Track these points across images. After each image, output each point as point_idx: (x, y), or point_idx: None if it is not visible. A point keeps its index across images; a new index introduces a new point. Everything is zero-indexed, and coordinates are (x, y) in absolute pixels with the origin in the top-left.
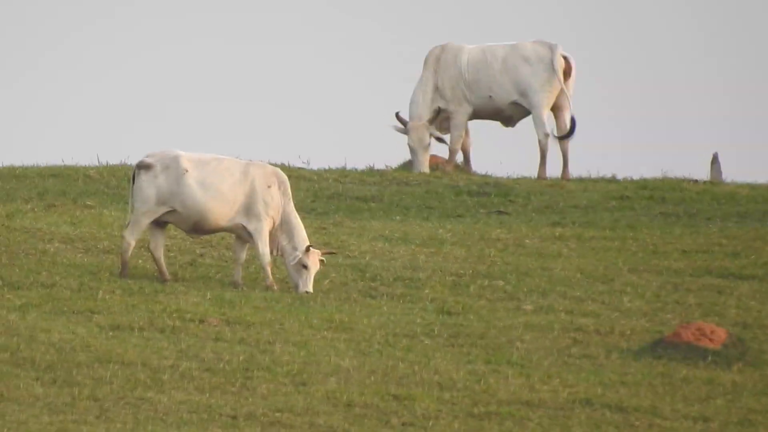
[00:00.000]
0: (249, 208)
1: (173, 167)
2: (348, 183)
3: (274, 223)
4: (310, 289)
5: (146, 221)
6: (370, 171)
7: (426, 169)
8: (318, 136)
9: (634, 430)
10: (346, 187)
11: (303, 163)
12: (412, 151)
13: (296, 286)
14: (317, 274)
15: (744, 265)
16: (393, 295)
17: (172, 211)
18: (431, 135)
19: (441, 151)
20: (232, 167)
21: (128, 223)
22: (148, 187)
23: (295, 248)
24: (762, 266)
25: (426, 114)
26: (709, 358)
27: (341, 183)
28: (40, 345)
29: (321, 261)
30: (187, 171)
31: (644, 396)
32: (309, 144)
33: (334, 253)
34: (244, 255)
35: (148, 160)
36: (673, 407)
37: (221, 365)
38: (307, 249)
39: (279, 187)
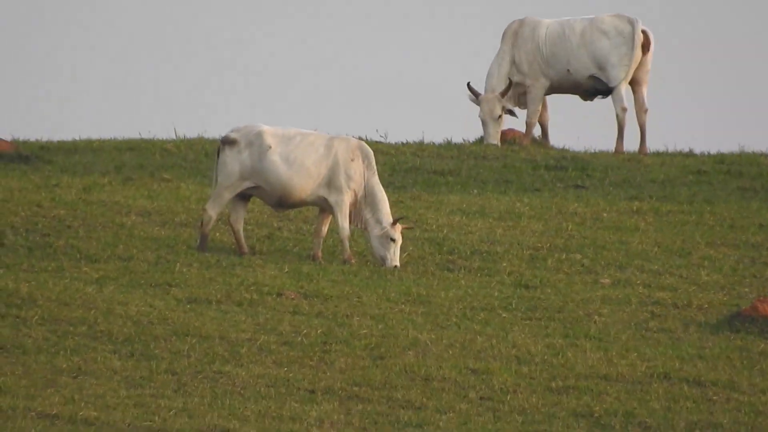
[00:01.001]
0: (331, 181)
1: (257, 143)
2: (425, 157)
3: (356, 197)
4: (398, 263)
5: (228, 195)
6: (448, 145)
7: (495, 141)
8: (395, 110)
9: (711, 404)
10: (423, 161)
11: (380, 136)
12: (483, 122)
13: (382, 260)
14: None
15: None
16: (470, 268)
17: (257, 186)
18: (503, 108)
19: (519, 125)
20: (316, 142)
21: (211, 197)
22: (232, 163)
23: (379, 221)
24: None
25: (499, 87)
26: None
27: (419, 157)
28: (118, 318)
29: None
30: (270, 147)
31: (722, 370)
32: (386, 118)
33: (411, 228)
34: (325, 228)
35: (233, 136)
36: (751, 381)
37: (299, 339)
38: (395, 222)
39: (363, 161)
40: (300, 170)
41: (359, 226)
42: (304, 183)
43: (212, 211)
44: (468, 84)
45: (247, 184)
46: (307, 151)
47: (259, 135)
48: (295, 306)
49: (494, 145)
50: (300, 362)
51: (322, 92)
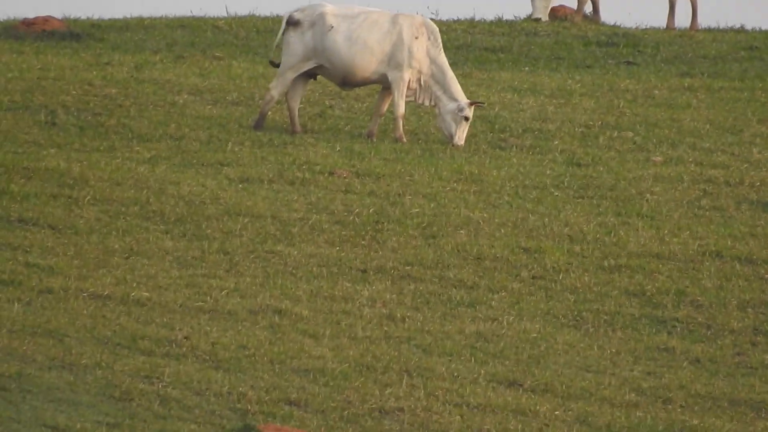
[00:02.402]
0: (392, 58)
1: (320, 23)
2: (477, 34)
3: (420, 74)
4: (463, 141)
5: (292, 75)
6: (499, 22)
7: (541, 15)
8: None
9: (763, 282)
10: (474, 38)
11: (432, 13)
12: None
13: (450, 136)
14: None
15: None
16: (522, 146)
17: (321, 66)
18: None
19: (570, 1)
20: (380, 20)
21: (276, 76)
22: (296, 43)
23: (453, 98)
24: None
25: None
26: None
27: (470, 34)
28: (170, 198)
29: None
30: (332, 27)
31: None
32: None
33: (482, 104)
34: (384, 107)
35: (297, 16)
36: None
37: (351, 218)
38: (472, 103)
39: (428, 38)
40: (363, 49)
41: (428, 104)
42: (367, 61)
43: (275, 91)
44: None
45: (310, 64)
46: (371, 30)
47: (322, 15)
48: (347, 185)
49: (540, 19)
50: (352, 241)
51: None
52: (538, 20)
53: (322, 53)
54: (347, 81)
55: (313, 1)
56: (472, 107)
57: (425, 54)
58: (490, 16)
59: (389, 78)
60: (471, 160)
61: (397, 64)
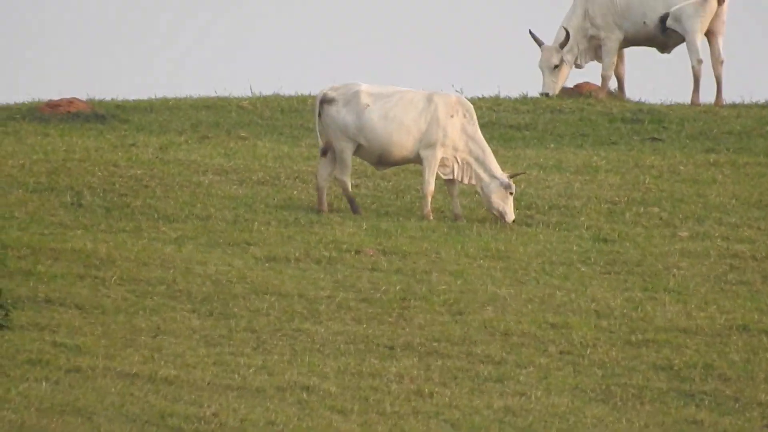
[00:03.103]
0: (427, 136)
1: (354, 101)
2: (501, 111)
3: (456, 152)
4: (513, 216)
5: (348, 154)
6: (524, 99)
7: (551, 90)
8: (471, 64)
9: None
10: (499, 116)
11: (456, 91)
12: (541, 71)
13: (502, 215)
14: (472, 203)
15: None
16: (549, 223)
17: (359, 145)
18: (561, 59)
19: (595, 78)
20: (415, 98)
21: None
22: (334, 122)
23: (493, 176)
24: None
25: (562, 38)
26: None
27: (495, 111)
28: (196, 277)
29: None
30: (368, 105)
31: None
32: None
33: (523, 174)
34: (455, 188)
35: (331, 94)
36: None
37: (378, 295)
38: (512, 177)
39: (464, 116)
40: (399, 127)
41: (467, 182)
42: (404, 140)
43: (342, 176)
44: (530, 31)
45: (349, 144)
46: (407, 108)
47: (357, 94)
48: (374, 263)
49: (549, 94)
50: (379, 319)
51: (395, 48)
52: (546, 95)
53: (360, 131)
54: (383, 160)
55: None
56: (512, 180)
57: (461, 132)
58: (514, 94)
59: (422, 155)
60: (498, 237)
61: (430, 142)
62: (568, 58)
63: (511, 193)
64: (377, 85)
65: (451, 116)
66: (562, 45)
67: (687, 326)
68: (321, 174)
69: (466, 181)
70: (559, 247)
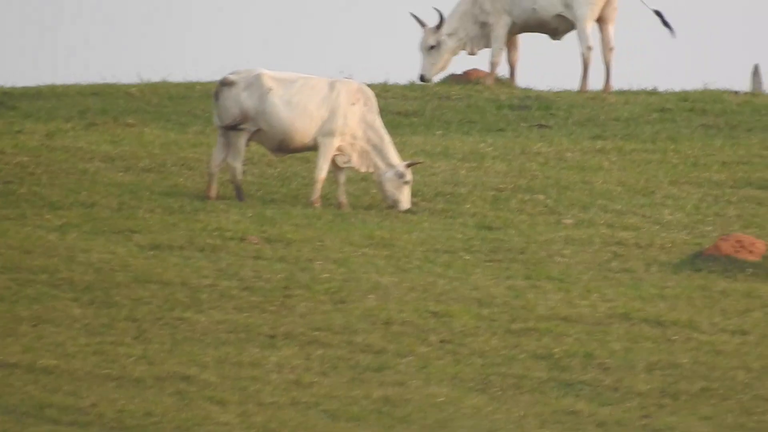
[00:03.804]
0: (328, 123)
1: (256, 85)
2: (389, 98)
3: (355, 140)
4: (410, 205)
5: (243, 140)
6: (412, 86)
7: (426, 73)
8: (360, 50)
9: (671, 344)
10: (387, 102)
11: (345, 77)
12: (421, 53)
13: (395, 203)
14: (358, 190)
15: None
16: (433, 210)
17: (258, 130)
18: (437, 41)
19: (484, 64)
20: (317, 85)
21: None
22: (232, 106)
23: (391, 165)
24: None
25: (458, 24)
26: (749, 270)
27: (383, 98)
28: (79, 265)
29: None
30: (271, 89)
31: (682, 310)
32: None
33: (420, 163)
34: (342, 175)
35: (231, 78)
36: (711, 321)
37: (260, 284)
38: (409, 165)
39: (365, 104)
40: (303, 114)
41: (365, 170)
42: (307, 126)
43: (234, 162)
44: (412, 14)
45: (249, 127)
46: (310, 95)
47: (259, 78)
48: (258, 251)
49: (425, 77)
50: (261, 307)
51: (284, 33)
52: (422, 78)
53: (261, 116)
54: (284, 146)
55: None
56: (410, 169)
57: (360, 120)
58: (403, 80)
59: (318, 141)
60: (382, 225)
61: (330, 129)
62: (450, 43)
63: (406, 183)
64: (279, 72)
65: (353, 104)
66: (438, 27)
67: (568, 315)
68: (214, 160)
69: (363, 169)
70: (443, 234)
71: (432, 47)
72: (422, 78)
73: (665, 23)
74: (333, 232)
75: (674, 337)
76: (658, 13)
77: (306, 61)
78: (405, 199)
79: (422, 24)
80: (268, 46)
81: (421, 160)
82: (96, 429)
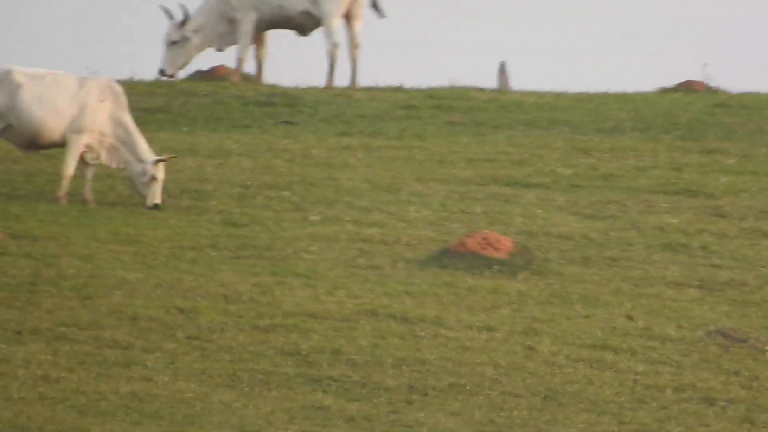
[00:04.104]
0: (77, 120)
1: (6, 81)
2: (136, 95)
3: (103, 137)
4: (159, 200)
5: None
6: (158, 82)
7: (167, 67)
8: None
9: (418, 340)
10: (133, 99)
11: (91, 74)
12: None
13: (146, 199)
14: (104, 186)
15: (529, 173)
16: (179, 207)
17: (8, 126)
18: (180, 36)
19: (231, 61)
20: (67, 82)
21: None
22: None
23: (141, 160)
24: (548, 174)
25: (204, 19)
26: (495, 267)
27: (129, 94)
28: None
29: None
30: (21, 85)
31: (429, 306)
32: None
33: (174, 158)
34: (91, 172)
35: None
36: (458, 317)
37: (6, 280)
38: (158, 162)
39: (114, 101)
40: (53, 111)
41: (115, 166)
42: (57, 123)
43: None
44: (162, 6)
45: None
46: (60, 91)
47: (9, 74)
48: (3, 247)
49: (164, 72)
50: (7, 303)
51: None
52: (162, 72)
53: (11, 112)
54: (33, 143)
55: None
56: (159, 164)
57: (109, 117)
58: (149, 77)
59: (67, 138)
60: (128, 221)
61: (79, 126)
62: (195, 39)
63: (154, 178)
64: (28, 68)
65: (102, 101)
66: (182, 23)
67: (315, 311)
68: None
69: (114, 165)
70: (189, 231)
71: (175, 42)
72: (162, 72)
73: (374, 5)
74: (79, 228)
75: (421, 334)
76: None
77: (49, 57)
78: (153, 194)
79: (171, 17)
80: (15, 43)
81: (173, 156)
82: None
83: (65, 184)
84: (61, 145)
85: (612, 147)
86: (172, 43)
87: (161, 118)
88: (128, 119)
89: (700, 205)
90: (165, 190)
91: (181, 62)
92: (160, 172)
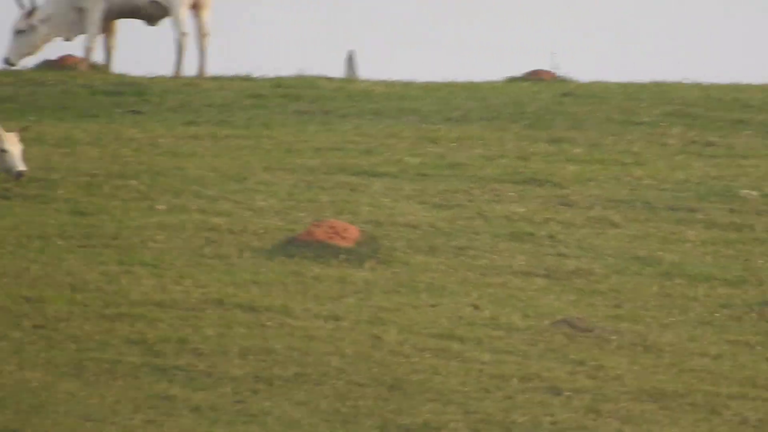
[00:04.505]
0: None
1: None
2: None
3: None
4: (22, 167)
5: None
6: (6, 71)
7: (12, 56)
8: None
9: (265, 329)
10: None
11: None
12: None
13: (8, 171)
14: None
15: (377, 162)
16: (26, 196)
17: None
18: (27, 24)
19: (79, 50)
20: None
21: None
22: None
23: None
24: (395, 163)
25: (52, 8)
26: (342, 256)
27: None
28: None
29: None
30: None
31: (276, 295)
32: None
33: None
34: None
35: None
36: (305, 306)
37: None
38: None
39: None
40: None
41: None
42: None
43: None
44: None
45: None
46: None
47: None
48: None
49: (9, 60)
50: None
51: None
52: (7, 60)
53: None
54: None
55: None
56: (10, 137)
57: None
58: None
59: None
60: None
61: None
62: (43, 29)
63: (4, 151)
64: None
65: None
66: (29, 12)
67: (161, 300)
68: None
69: None
70: (36, 220)
71: (21, 31)
72: (6, 61)
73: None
74: None
75: (268, 323)
76: None
77: None
78: (11, 165)
79: (22, 6)
80: None
81: (27, 125)
82: None
83: None
84: None
85: (459, 136)
86: (18, 32)
87: (9, 107)
88: None
89: (548, 194)
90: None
91: (27, 51)
92: (10, 144)
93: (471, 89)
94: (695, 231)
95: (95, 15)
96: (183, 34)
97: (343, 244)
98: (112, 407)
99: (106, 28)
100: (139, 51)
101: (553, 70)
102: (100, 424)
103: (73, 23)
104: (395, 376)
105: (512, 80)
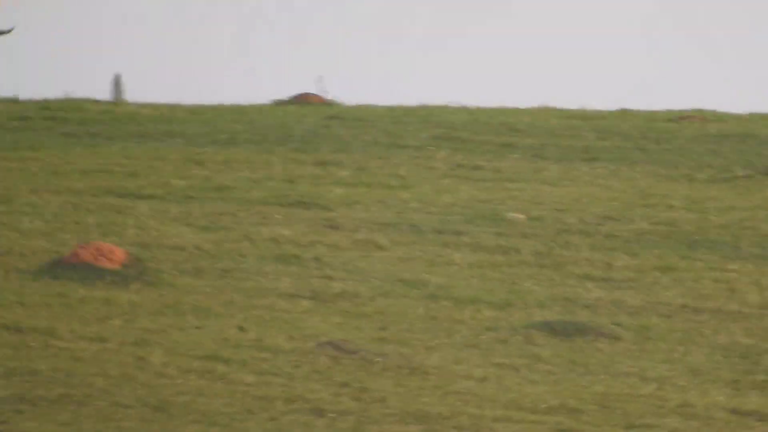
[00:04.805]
0: None
1: None
2: None
3: None
4: None
5: None
6: None
7: None
8: None
9: (30, 350)
10: None
11: None
12: None
13: None
14: None
15: (143, 185)
16: None
17: None
18: None
19: None
20: None
21: None
22: None
23: None
24: (161, 186)
25: None
26: (108, 278)
27: None
28: None
29: None
30: None
31: (41, 317)
32: None
33: None
34: None
35: None
36: (70, 328)
37: None
38: None
39: None
40: None
41: None
42: None
43: None
44: None
45: None
46: None
47: None
48: None
49: None
50: None
51: None
52: None
53: None
54: None
55: None
56: None
57: None
58: None
59: None
60: None
61: None
62: None
63: None
64: None
65: None
66: None
67: None
68: None
69: None
70: None
71: None
72: None
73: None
74: None
75: (33, 344)
76: None
77: None
78: None
79: None
80: None
81: None
82: None
83: None
84: None
85: (226, 159)
86: None
87: None
88: None
89: (314, 217)
90: None
91: None
92: None
93: (238, 112)
94: (462, 254)
95: None
96: None
97: (109, 266)
98: None
99: None
100: None
101: (320, 94)
102: None
103: None
104: (160, 398)
105: (279, 103)
